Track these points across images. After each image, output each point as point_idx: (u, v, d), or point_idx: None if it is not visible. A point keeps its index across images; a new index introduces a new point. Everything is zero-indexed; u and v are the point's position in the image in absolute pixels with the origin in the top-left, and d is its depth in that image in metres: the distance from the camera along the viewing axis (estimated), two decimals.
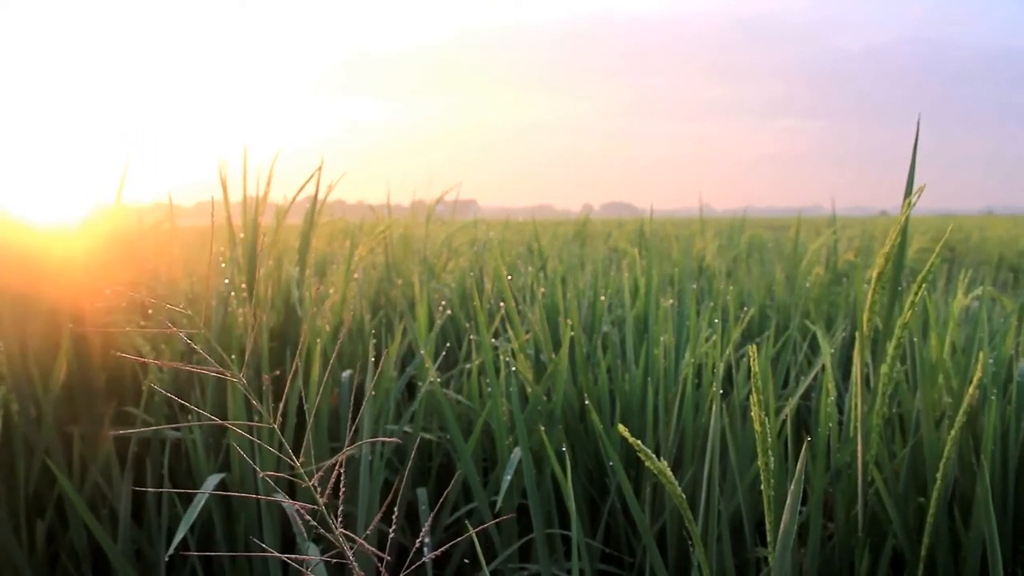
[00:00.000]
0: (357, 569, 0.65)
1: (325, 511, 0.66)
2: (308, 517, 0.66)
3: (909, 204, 1.10)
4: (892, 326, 1.17)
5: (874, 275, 1.14)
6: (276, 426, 0.65)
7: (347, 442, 0.69)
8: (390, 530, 0.64)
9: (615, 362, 1.60)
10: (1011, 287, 2.96)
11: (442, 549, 0.73)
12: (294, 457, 0.66)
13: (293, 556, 0.65)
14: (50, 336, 1.45)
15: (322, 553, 1.26)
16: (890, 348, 1.14)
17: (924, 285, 1.08)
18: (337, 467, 0.67)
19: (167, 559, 1.44)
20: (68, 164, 1.69)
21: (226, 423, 0.56)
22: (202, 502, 1.24)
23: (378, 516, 0.67)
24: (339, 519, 0.71)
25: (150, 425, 1.50)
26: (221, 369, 0.62)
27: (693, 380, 1.43)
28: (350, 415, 1.60)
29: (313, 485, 0.67)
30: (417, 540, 0.70)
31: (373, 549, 0.63)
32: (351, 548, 0.67)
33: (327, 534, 0.68)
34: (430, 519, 0.80)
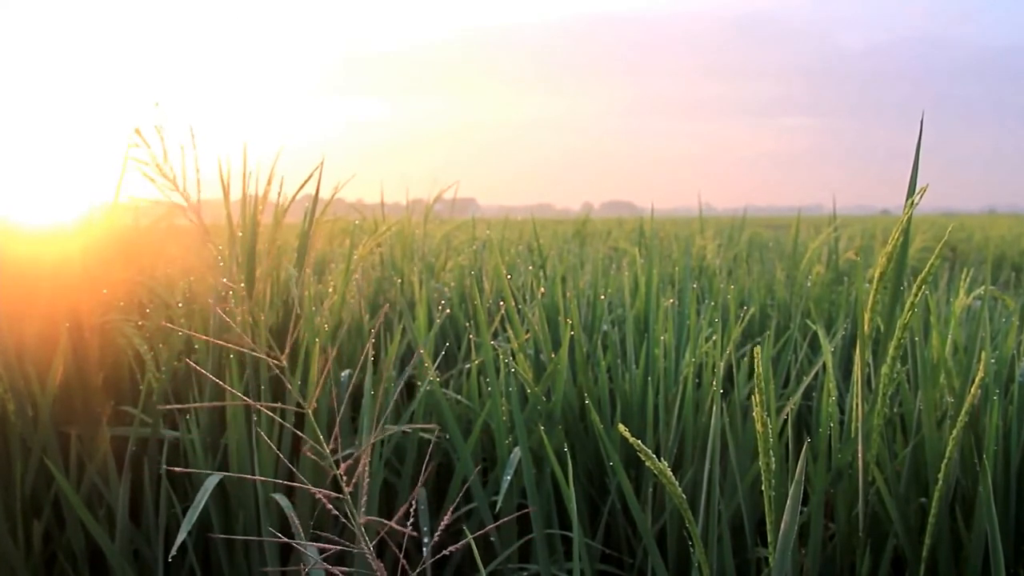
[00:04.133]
0: (373, 556, 0.65)
1: (350, 500, 0.66)
2: (328, 505, 0.65)
3: (912, 204, 1.09)
4: (893, 326, 1.16)
5: (876, 275, 1.14)
6: (310, 410, 0.65)
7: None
8: (408, 527, 0.64)
9: (615, 362, 1.59)
10: (1013, 286, 2.95)
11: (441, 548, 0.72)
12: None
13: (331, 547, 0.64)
14: (47, 335, 1.44)
15: (320, 552, 1.26)
16: (891, 348, 1.14)
17: (925, 286, 1.08)
18: (364, 456, 0.66)
19: (164, 559, 1.43)
20: (66, 162, 1.69)
21: (257, 404, 0.56)
22: (203, 501, 1.23)
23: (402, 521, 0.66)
24: (360, 508, 0.70)
25: (147, 425, 1.49)
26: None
27: (693, 380, 1.42)
28: (349, 414, 1.59)
29: (340, 474, 0.66)
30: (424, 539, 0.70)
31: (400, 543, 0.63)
32: (371, 539, 0.66)
33: (346, 520, 0.68)
34: (444, 522, 0.80)
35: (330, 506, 0.67)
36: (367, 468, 0.69)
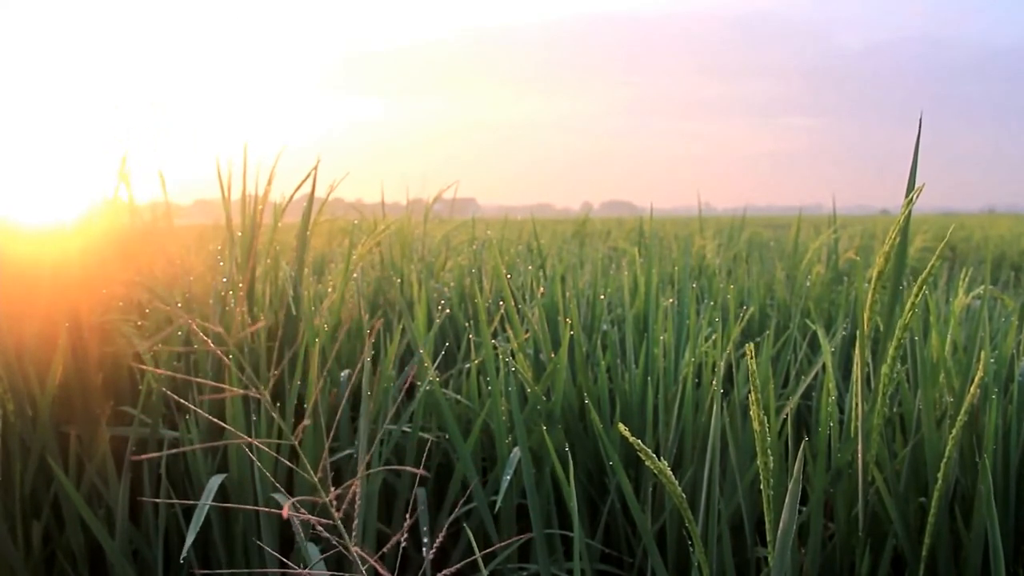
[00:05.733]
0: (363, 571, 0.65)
1: (341, 526, 0.66)
2: (318, 525, 0.65)
3: (910, 202, 1.09)
4: (893, 326, 1.16)
5: (874, 274, 1.13)
6: (296, 442, 0.65)
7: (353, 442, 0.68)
8: (402, 538, 0.64)
9: (615, 361, 1.59)
10: (1012, 286, 2.95)
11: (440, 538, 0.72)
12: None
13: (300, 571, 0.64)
14: (46, 335, 1.44)
15: (321, 553, 1.26)
16: (890, 349, 1.14)
17: (925, 286, 1.08)
18: (353, 488, 0.66)
19: (163, 559, 1.43)
20: (65, 162, 1.69)
21: (251, 440, 0.56)
22: (206, 507, 1.23)
23: (404, 533, 0.66)
24: (352, 533, 0.70)
25: (147, 425, 1.49)
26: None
27: (693, 379, 1.42)
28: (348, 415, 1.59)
29: (331, 501, 0.66)
30: (424, 540, 0.70)
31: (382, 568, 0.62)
32: (364, 565, 0.66)
33: (335, 540, 0.68)
34: (446, 524, 0.80)
35: (321, 529, 0.67)
36: (357, 498, 0.69)
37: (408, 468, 0.81)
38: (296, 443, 0.65)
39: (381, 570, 0.63)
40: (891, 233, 1.11)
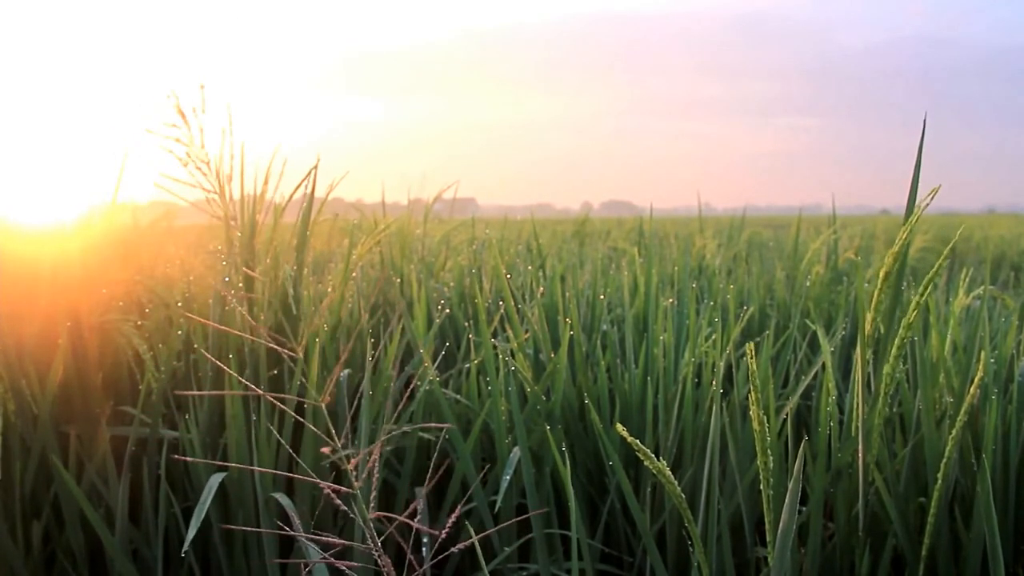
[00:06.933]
0: (380, 551, 0.65)
1: (359, 496, 0.66)
2: (337, 500, 0.65)
3: (915, 196, 1.09)
4: (895, 325, 1.16)
5: (881, 274, 1.13)
6: (323, 403, 0.65)
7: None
8: (414, 523, 0.65)
9: (614, 361, 1.59)
10: (1012, 286, 2.95)
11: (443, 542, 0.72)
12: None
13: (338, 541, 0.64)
14: (47, 335, 1.44)
15: (321, 549, 1.25)
16: (893, 348, 1.14)
17: (932, 286, 1.08)
18: (376, 450, 0.66)
19: (163, 559, 1.43)
20: (64, 162, 1.69)
21: (277, 396, 0.56)
22: (207, 504, 1.23)
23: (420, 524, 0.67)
24: (371, 503, 0.70)
25: (147, 425, 1.49)
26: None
27: (693, 379, 1.42)
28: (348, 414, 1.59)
29: (352, 470, 0.67)
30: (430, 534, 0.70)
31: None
32: (377, 535, 0.66)
33: (354, 515, 0.68)
34: (449, 522, 0.79)
35: (339, 501, 0.67)
36: (376, 464, 0.69)
37: (430, 425, 0.81)
38: (321, 404, 0.65)
39: (391, 516, 0.63)
40: (902, 234, 1.11)
